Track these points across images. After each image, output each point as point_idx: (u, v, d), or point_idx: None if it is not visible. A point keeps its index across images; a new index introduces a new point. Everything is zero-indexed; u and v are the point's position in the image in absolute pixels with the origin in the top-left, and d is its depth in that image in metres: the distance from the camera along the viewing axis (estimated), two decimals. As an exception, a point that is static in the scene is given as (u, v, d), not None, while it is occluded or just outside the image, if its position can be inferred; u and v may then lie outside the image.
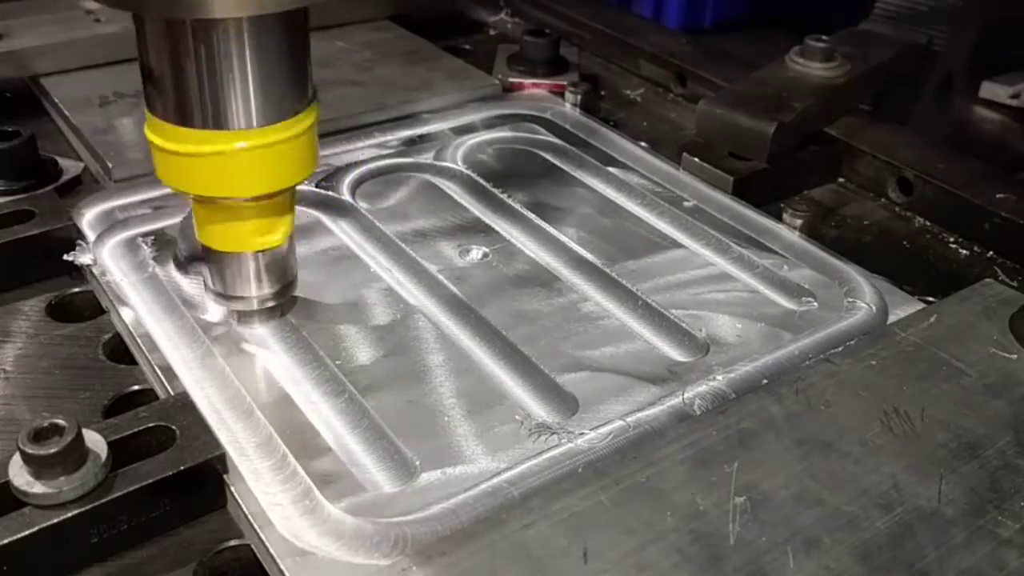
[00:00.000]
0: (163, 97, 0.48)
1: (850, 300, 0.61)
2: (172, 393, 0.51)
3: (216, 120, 0.48)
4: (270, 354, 0.55)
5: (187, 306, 0.58)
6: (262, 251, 0.54)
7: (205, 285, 0.57)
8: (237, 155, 0.48)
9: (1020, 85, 0.92)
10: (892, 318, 0.60)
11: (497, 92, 0.90)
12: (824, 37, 0.83)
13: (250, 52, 0.47)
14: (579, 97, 0.87)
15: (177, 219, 0.67)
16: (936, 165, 0.75)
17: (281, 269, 0.56)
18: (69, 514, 0.42)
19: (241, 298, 0.56)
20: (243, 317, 0.57)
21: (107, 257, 0.62)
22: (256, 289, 0.56)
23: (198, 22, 0.45)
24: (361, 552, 0.43)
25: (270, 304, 0.57)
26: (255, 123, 0.48)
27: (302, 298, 0.60)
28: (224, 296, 0.56)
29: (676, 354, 0.57)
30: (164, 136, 0.49)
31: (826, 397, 0.50)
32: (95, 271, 0.61)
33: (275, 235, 0.54)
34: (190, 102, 0.47)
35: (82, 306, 0.61)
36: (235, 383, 0.52)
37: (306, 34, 0.50)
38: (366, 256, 0.65)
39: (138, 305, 0.58)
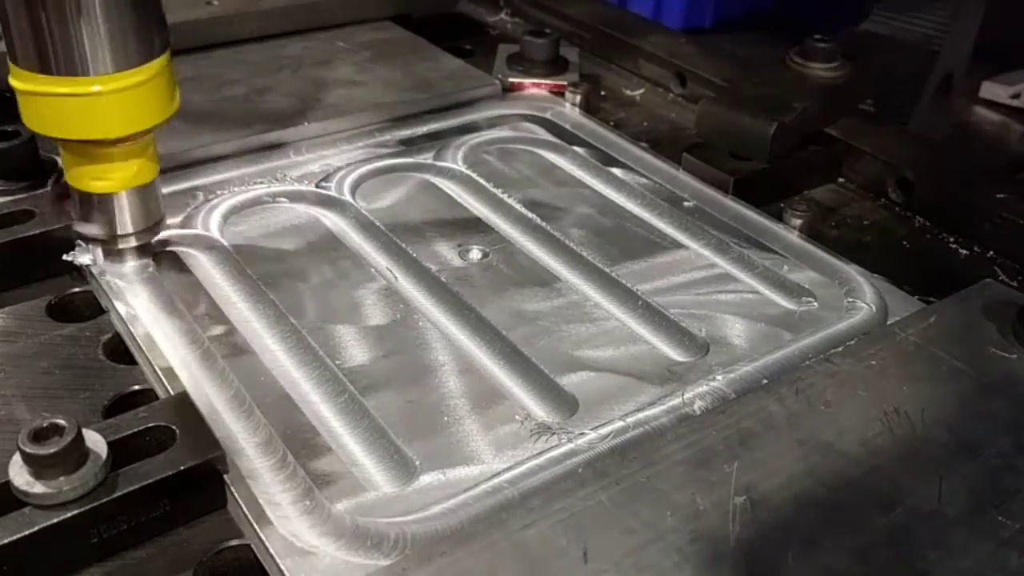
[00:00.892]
0: (24, 46, 0.53)
1: (850, 300, 0.61)
2: (172, 393, 0.51)
3: (70, 67, 0.53)
4: (270, 354, 0.55)
5: (187, 306, 0.58)
6: (124, 191, 0.59)
7: (76, 231, 0.61)
8: (95, 98, 0.54)
9: (1020, 85, 0.92)
10: (892, 318, 0.60)
11: (497, 92, 0.90)
12: (824, 37, 0.83)
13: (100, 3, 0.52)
14: (579, 97, 0.87)
15: (177, 219, 0.67)
16: (936, 165, 0.75)
17: (143, 209, 0.61)
18: (69, 514, 0.42)
19: (113, 237, 0.61)
20: (109, 256, 0.62)
21: (106, 257, 0.62)
22: (120, 228, 0.61)
23: None
24: (361, 552, 0.43)
25: (132, 244, 0.61)
26: (109, 70, 0.54)
27: (303, 299, 0.60)
28: (91, 237, 0.61)
29: (676, 354, 0.57)
30: (27, 80, 0.54)
31: (826, 397, 0.50)
32: (95, 271, 0.61)
33: (139, 175, 0.59)
34: (48, 51, 0.53)
35: (82, 306, 0.61)
36: (235, 383, 0.52)
37: None
38: (366, 256, 0.65)
39: (138, 305, 0.58)
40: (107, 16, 0.53)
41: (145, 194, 0.61)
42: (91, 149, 0.57)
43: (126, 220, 0.60)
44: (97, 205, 0.60)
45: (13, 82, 0.55)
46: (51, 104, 0.54)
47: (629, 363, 0.56)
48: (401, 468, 0.48)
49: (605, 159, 0.79)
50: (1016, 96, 0.92)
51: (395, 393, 0.53)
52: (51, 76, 0.53)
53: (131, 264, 0.62)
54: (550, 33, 0.94)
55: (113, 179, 0.59)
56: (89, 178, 0.59)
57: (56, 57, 0.53)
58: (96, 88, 0.54)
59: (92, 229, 0.61)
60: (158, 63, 0.56)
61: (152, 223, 0.62)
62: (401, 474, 0.48)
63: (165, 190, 0.70)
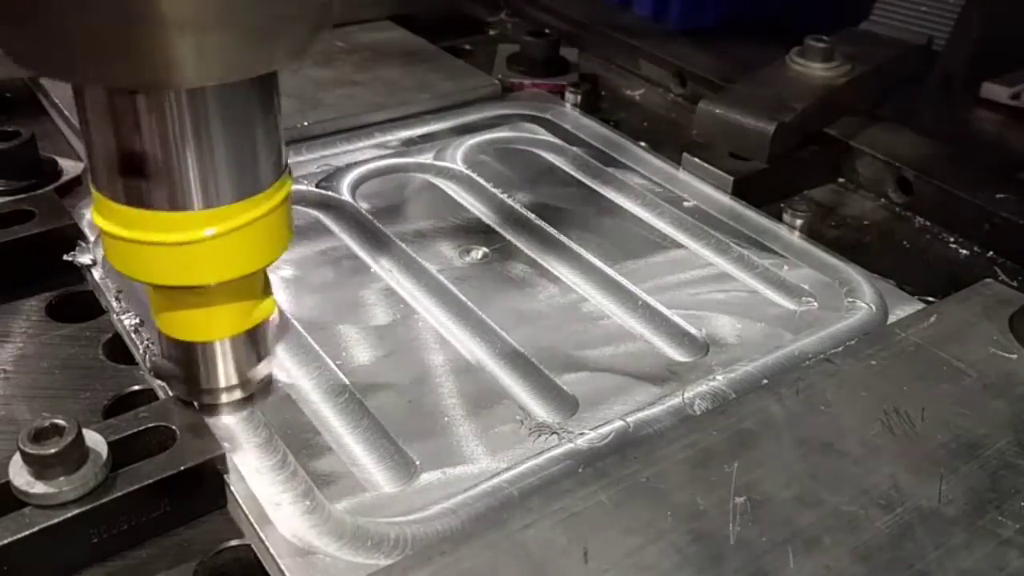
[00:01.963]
0: (113, 175, 0.40)
1: (850, 300, 0.61)
2: (172, 393, 0.51)
3: (176, 200, 0.40)
4: (270, 355, 0.55)
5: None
6: (229, 338, 0.47)
7: (167, 380, 0.49)
8: (205, 241, 0.41)
9: (1020, 85, 0.91)
10: (892, 318, 0.60)
11: (497, 92, 0.90)
12: (824, 37, 0.83)
13: (215, 122, 0.40)
14: (579, 97, 0.87)
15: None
16: (936, 165, 0.75)
17: (251, 356, 0.49)
18: (69, 514, 0.42)
19: (207, 391, 0.48)
20: (208, 409, 0.49)
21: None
22: (224, 380, 0.48)
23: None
24: (361, 552, 0.43)
25: (238, 397, 0.50)
26: (224, 200, 0.41)
27: (303, 298, 0.60)
28: (193, 392, 0.48)
29: (676, 354, 0.57)
30: (119, 221, 0.41)
31: (826, 397, 0.50)
32: (95, 271, 0.61)
33: (245, 319, 0.46)
34: (152, 181, 0.40)
35: (82, 306, 0.61)
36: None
37: (274, 98, 0.43)
38: (366, 256, 0.65)
39: (138, 305, 0.58)
40: (226, 137, 0.40)
41: (253, 337, 0.48)
42: (187, 293, 0.45)
43: (230, 371, 0.48)
44: (189, 352, 0.47)
45: (98, 220, 0.42)
46: (143, 249, 0.41)
47: (629, 363, 0.56)
48: (401, 468, 0.48)
49: (605, 159, 0.79)
50: (1016, 96, 0.92)
51: (395, 393, 0.53)
52: (143, 210, 0.40)
53: (229, 418, 0.50)
54: (550, 33, 0.94)
55: (215, 326, 0.46)
56: (185, 325, 0.46)
57: (154, 190, 0.40)
58: (209, 231, 0.41)
59: (180, 386, 0.48)
60: (281, 187, 0.44)
61: (254, 371, 0.50)
62: (401, 474, 0.48)
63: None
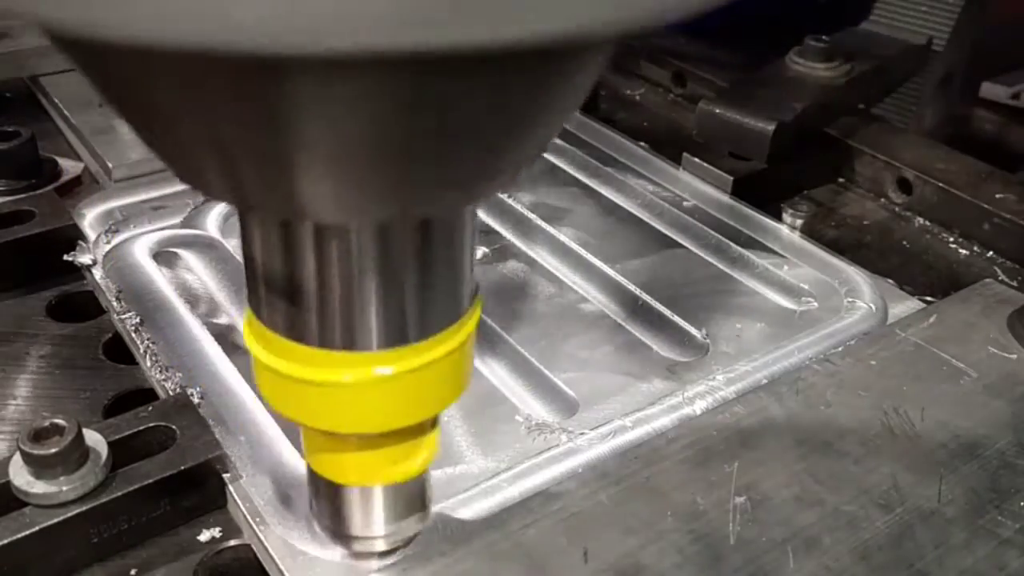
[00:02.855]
0: (279, 307, 0.34)
1: (850, 300, 0.61)
2: (172, 393, 0.51)
3: (345, 341, 0.33)
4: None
5: (188, 306, 0.58)
6: (392, 483, 0.40)
7: (314, 516, 0.43)
8: (376, 384, 0.34)
9: (1020, 85, 0.92)
10: (892, 318, 0.60)
11: (497, 92, 0.90)
12: (824, 37, 0.83)
13: (409, 257, 0.32)
14: (579, 97, 0.87)
15: (177, 219, 0.67)
16: (936, 165, 0.75)
17: (415, 501, 0.42)
18: (69, 514, 0.42)
19: (364, 538, 0.42)
20: (362, 557, 0.43)
21: (107, 257, 0.62)
22: (384, 528, 0.42)
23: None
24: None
25: (399, 544, 0.43)
26: (408, 340, 0.34)
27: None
28: (342, 535, 0.42)
29: (676, 354, 0.57)
30: (273, 352, 0.34)
31: (826, 397, 0.50)
32: (95, 271, 0.61)
33: (411, 464, 0.39)
34: (322, 318, 0.33)
35: (82, 306, 0.61)
36: (235, 382, 0.52)
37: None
38: (366, 256, 0.65)
39: (139, 305, 0.58)
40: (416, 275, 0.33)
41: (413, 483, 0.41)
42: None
43: (385, 517, 0.41)
44: (344, 496, 0.41)
45: (252, 346, 0.35)
46: (304, 389, 0.34)
47: (629, 363, 0.56)
48: (401, 468, 0.48)
49: (605, 159, 0.79)
50: (1016, 96, 0.92)
51: (395, 393, 0.53)
52: (302, 347, 0.34)
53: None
54: (550, 33, 0.94)
55: (375, 472, 0.39)
56: (341, 468, 0.39)
57: (325, 329, 0.33)
58: (388, 370, 0.34)
59: (336, 526, 0.42)
60: (467, 324, 0.35)
61: (413, 520, 0.43)
62: (401, 474, 0.47)
63: (165, 190, 0.71)
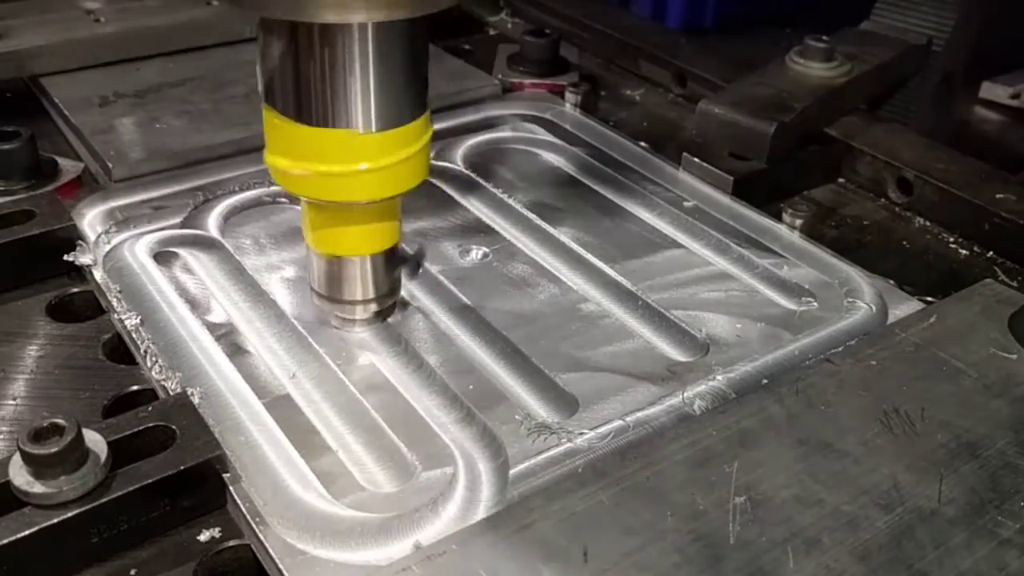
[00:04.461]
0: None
1: (850, 300, 0.61)
2: (172, 393, 0.51)
3: (343, 119, 0.49)
4: (270, 354, 0.55)
5: (188, 306, 0.58)
6: (371, 255, 0.54)
7: (311, 289, 0.56)
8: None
9: (1020, 85, 0.92)
10: (892, 318, 0.60)
11: (497, 92, 0.90)
12: (824, 37, 0.83)
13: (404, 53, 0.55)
14: (579, 97, 0.87)
15: (177, 219, 0.67)
16: (936, 165, 0.75)
17: (388, 276, 0.56)
18: (69, 514, 0.42)
19: (348, 302, 0.55)
20: (346, 323, 0.57)
21: (107, 257, 0.62)
22: (362, 294, 0.55)
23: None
24: (361, 552, 0.43)
25: (374, 310, 0.56)
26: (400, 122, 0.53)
27: (303, 298, 0.60)
28: (331, 300, 0.55)
29: (676, 354, 0.57)
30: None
31: (826, 397, 0.50)
32: (95, 271, 0.61)
33: (386, 238, 0.54)
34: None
35: (82, 306, 0.61)
36: (235, 382, 0.52)
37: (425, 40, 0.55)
38: (366, 256, 0.65)
39: (139, 305, 0.58)
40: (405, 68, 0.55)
41: (390, 256, 0.55)
42: (344, 211, 0.52)
43: (378, 282, 0.55)
44: (342, 269, 0.54)
45: (270, 159, 0.50)
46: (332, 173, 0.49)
47: (629, 363, 0.56)
48: (401, 467, 0.48)
49: (605, 159, 0.79)
50: (1016, 96, 0.92)
51: (395, 393, 0.53)
52: (314, 128, 0.48)
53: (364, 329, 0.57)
54: (550, 33, 0.94)
55: (365, 240, 0.53)
56: (338, 240, 0.53)
57: (330, 108, 0.48)
58: (399, 155, 0.52)
59: (335, 303, 0.56)
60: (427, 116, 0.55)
61: (394, 287, 0.57)
62: (401, 473, 0.48)
63: (165, 190, 0.71)
